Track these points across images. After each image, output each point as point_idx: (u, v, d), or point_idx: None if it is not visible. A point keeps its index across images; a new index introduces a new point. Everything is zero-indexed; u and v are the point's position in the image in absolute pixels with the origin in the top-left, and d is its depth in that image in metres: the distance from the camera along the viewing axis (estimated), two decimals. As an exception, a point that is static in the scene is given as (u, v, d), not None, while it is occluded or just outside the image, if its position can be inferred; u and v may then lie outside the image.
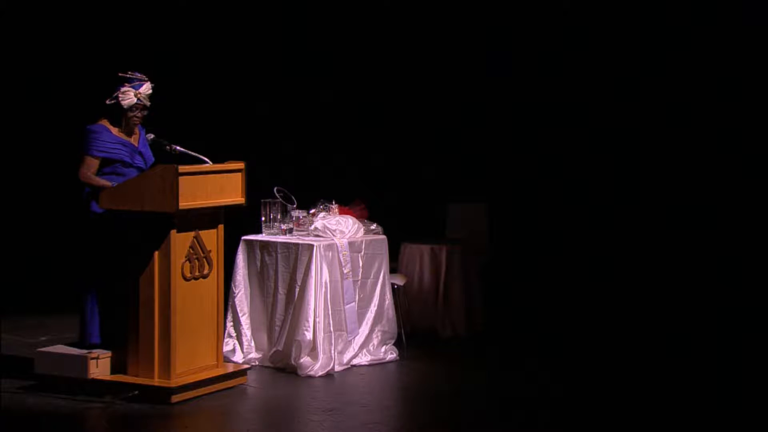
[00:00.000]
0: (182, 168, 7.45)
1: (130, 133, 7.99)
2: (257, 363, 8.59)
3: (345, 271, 8.64)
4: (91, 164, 7.84)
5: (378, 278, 8.91)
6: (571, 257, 10.81)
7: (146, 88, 7.93)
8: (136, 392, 7.53)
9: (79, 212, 7.95)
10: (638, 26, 10.65)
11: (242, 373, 8.08)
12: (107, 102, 7.88)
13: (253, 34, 11.99)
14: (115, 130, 7.93)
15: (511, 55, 10.80)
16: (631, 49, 10.67)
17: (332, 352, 8.46)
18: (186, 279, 7.67)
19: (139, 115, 7.95)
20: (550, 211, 10.99)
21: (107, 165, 7.87)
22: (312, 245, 8.44)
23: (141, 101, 7.90)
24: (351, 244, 8.73)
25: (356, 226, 8.86)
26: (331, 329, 8.47)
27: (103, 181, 7.78)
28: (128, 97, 7.86)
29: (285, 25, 11.95)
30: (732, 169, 10.31)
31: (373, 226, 9.05)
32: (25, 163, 11.94)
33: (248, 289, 8.70)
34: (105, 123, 7.93)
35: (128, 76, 7.90)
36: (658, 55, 10.60)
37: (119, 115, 7.92)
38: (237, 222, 8.42)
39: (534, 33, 11.05)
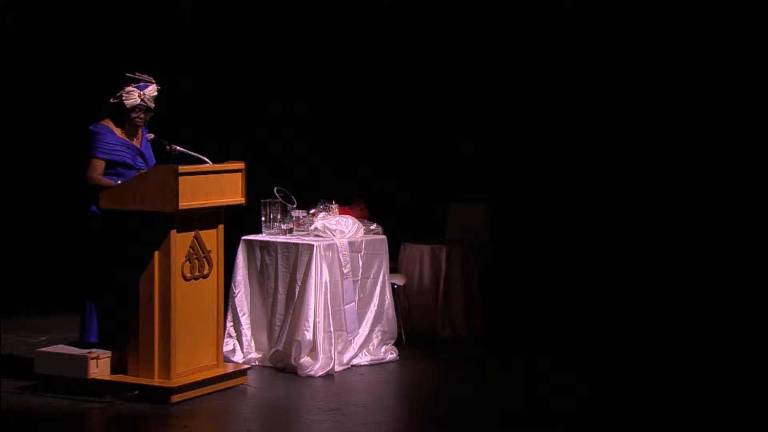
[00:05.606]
0: (182, 168, 7.44)
1: (133, 135, 7.98)
2: (257, 363, 8.59)
3: (345, 271, 8.64)
4: (98, 166, 7.83)
5: (378, 278, 8.92)
6: (571, 257, 10.80)
7: (151, 90, 7.92)
8: (136, 392, 7.53)
9: (79, 212, 7.96)
10: (637, 26, 10.66)
11: (242, 373, 8.09)
12: (111, 101, 7.87)
13: (254, 33, 11.99)
14: (118, 131, 7.93)
15: None
16: (633, 49, 10.67)
17: (332, 352, 8.46)
18: (186, 279, 7.67)
19: (142, 116, 7.94)
20: (550, 211, 10.98)
21: (109, 167, 7.86)
22: (312, 245, 8.45)
23: (144, 102, 7.89)
24: (351, 244, 8.73)
25: (356, 226, 8.86)
26: (331, 329, 8.47)
27: (111, 183, 7.77)
28: (132, 97, 7.85)
29: (286, 24, 11.96)
30: (734, 170, 10.32)
31: (373, 226, 9.05)
32: (26, 163, 11.95)
33: (248, 289, 8.70)
34: (108, 123, 7.92)
35: (135, 76, 7.89)
36: (658, 57, 10.60)
37: (122, 115, 7.91)
38: (237, 222, 8.42)
39: (533, 32, 11.05)
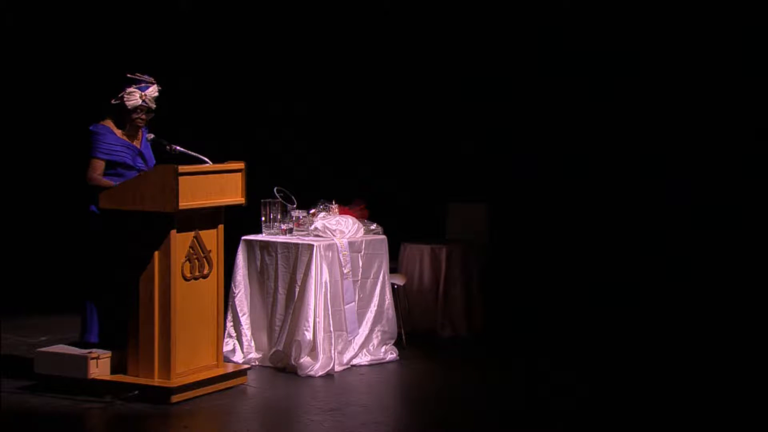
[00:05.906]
0: (182, 168, 7.45)
1: (133, 136, 7.98)
2: (257, 363, 8.59)
3: (345, 271, 8.64)
4: (98, 166, 7.84)
5: (378, 278, 8.92)
6: (571, 257, 10.80)
7: (152, 90, 7.92)
8: (136, 392, 7.54)
9: (79, 212, 7.96)
10: (637, 26, 10.66)
11: (242, 373, 8.09)
12: (112, 102, 7.88)
13: (253, 33, 12.00)
14: (118, 132, 7.93)
15: None
16: (633, 49, 10.67)
17: (332, 352, 8.46)
18: (186, 279, 7.67)
19: (143, 117, 7.94)
20: (550, 211, 10.99)
21: (109, 168, 7.87)
22: (312, 245, 8.45)
23: (146, 104, 7.89)
24: (351, 244, 8.73)
25: (356, 226, 8.86)
26: (331, 329, 8.47)
27: (110, 183, 7.77)
28: (133, 98, 7.85)
29: (286, 24, 11.96)
30: (734, 170, 10.32)
31: (373, 226, 9.05)
32: (27, 163, 11.95)
33: (248, 289, 8.70)
34: (109, 124, 7.92)
35: (136, 77, 7.89)
36: (658, 57, 10.61)
37: (123, 115, 7.91)
38: (237, 222, 8.42)
39: (533, 32, 11.05)
